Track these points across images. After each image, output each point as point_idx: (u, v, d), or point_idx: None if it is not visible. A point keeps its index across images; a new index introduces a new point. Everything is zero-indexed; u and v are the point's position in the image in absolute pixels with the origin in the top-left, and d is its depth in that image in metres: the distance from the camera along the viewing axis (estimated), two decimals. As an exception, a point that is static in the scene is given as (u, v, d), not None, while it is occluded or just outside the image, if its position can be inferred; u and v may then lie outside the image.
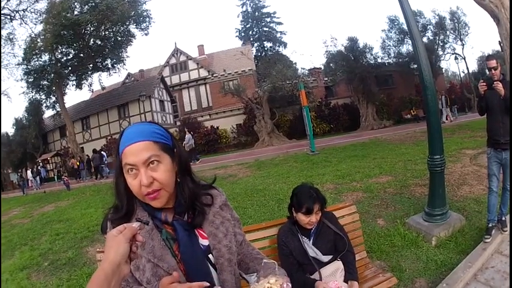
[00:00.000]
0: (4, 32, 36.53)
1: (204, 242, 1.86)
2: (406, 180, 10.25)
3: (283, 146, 31.18)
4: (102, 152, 34.60)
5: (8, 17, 35.92)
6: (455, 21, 40.45)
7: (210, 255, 1.85)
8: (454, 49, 42.08)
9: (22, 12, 36.15)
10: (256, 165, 19.53)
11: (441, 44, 40.00)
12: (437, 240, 5.91)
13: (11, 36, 37.05)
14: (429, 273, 5.07)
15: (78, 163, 35.09)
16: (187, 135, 28.70)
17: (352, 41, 37.48)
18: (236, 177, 16.61)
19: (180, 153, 1.88)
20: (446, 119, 28.20)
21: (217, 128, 40.48)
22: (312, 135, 21.34)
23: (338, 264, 3.54)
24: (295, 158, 19.38)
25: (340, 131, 38.24)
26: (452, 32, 40.72)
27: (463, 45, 42.09)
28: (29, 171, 38.50)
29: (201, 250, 1.83)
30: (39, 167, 41.85)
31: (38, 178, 36.79)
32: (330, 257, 3.59)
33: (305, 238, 3.62)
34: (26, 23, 37.32)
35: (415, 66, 32.63)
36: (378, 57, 39.80)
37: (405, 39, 38.06)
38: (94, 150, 35.37)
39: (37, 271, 8.41)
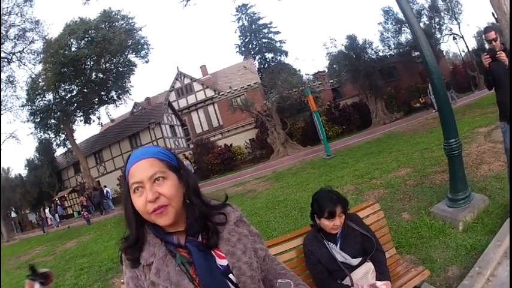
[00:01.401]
0: (3, 76, 37.00)
1: (222, 262, 1.80)
2: (424, 169, 10.15)
3: (299, 154, 31.06)
4: (105, 188, 35.64)
5: (5, 60, 36.30)
6: (447, 1, 40.57)
7: (230, 275, 1.78)
8: (451, 29, 42.44)
9: (19, 54, 36.74)
10: (274, 177, 19.46)
11: (437, 26, 40.27)
12: (464, 225, 5.82)
13: (11, 79, 37.61)
14: (460, 259, 4.98)
15: (86, 200, 35.50)
16: (186, 162, 28.55)
17: (351, 38, 37.37)
18: (256, 192, 16.53)
19: (187, 175, 1.87)
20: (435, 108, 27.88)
21: (231, 145, 40.26)
22: (326, 139, 21.30)
23: (369, 266, 3.45)
24: (312, 165, 19.28)
25: (353, 130, 37.91)
26: (446, 12, 40.85)
27: (458, 24, 42.40)
28: (47, 210, 38.83)
29: (219, 271, 1.77)
30: (57, 205, 41.97)
31: (56, 216, 37.34)
32: (360, 259, 3.52)
33: (331, 244, 3.53)
34: (24, 64, 37.75)
35: (417, 53, 32.78)
36: (379, 50, 39.82)
37: (402, 28, 38.35)
38: (94, 188, 36.83)
39: (64, 308, 8.39)
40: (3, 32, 34.57)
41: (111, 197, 35.88)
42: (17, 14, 35.11)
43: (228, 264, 1.78)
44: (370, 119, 37.47)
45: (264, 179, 19.91)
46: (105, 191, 35.70)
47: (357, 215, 3.87)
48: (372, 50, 38.71)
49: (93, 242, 16.62)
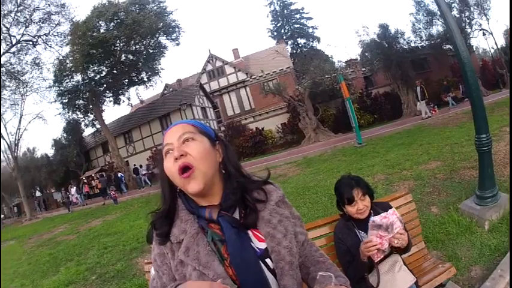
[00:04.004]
0: (29, 58, 37.47)
1: (260, 245, 1.72)
2: (454, 164, 10.13)
3: (330, 140, 30.92)
4: (119, 173, 36.97)
5: (30, 42, 36.57)
6: (476, -5, 39.66)
7: (267, 260, 1.70)
8: (480, 25, 41.12)
9: (45, 36, 36.85)
10: (305, 162, 19.53)
11: (468, 21, 39.02)
12: (490, 224, 5.86)
13: (37, 61, 37.81)
14: (484, 259, 5.07)
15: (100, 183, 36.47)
16: None
17: (383, 27, 36.86)
18: (286, 177, 16.58)
19: (225, 146, 1.87)
20: (426, 115, 26.46)
21: (263, 129, 40.22)
22: (358, 127, 21.30)
23: (396, 258, 3.35)
24: (343, 152, 19.28)
25: (384, 120, 37.67)
26: (475, 7, 39.69)
27: (487, 19, 41.10)
28: (73, 189, 39.18)
29: (253, 251, 1.68)
30: (83, 184, 42.89)
31: (81, 195, 38.04)
32: (389, 250, 3.38)
33: (362, 232, 3.40)
34: (51, 47, 37.74)
35: (448, 46, 32.49)
36: (411, 41, 38.95)
37: (433, 20, 37.59)
38: (101, 174, 38.80)
39: (84, 285, 8.60)
40: (27, 16, 34.87)
41: (124, 182, 36.62)
42: (40, -2, 35.41)
43: (266, 247, 1.72)
44: (401, 110, 37.04)
45: (295, 164, 19.95)
46: (119, 175, 36.60)
47: (388, 204, 3.74)
48: (404, 40, 38.08)
49: (119, 221, 16.88)
